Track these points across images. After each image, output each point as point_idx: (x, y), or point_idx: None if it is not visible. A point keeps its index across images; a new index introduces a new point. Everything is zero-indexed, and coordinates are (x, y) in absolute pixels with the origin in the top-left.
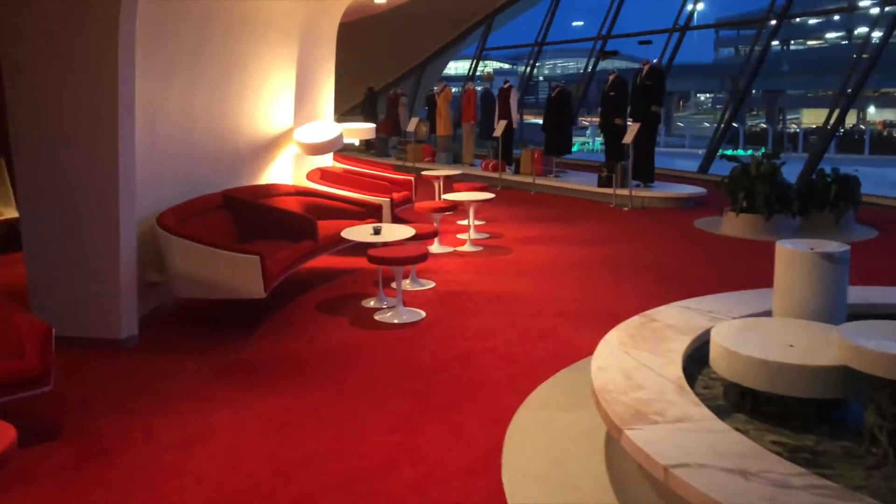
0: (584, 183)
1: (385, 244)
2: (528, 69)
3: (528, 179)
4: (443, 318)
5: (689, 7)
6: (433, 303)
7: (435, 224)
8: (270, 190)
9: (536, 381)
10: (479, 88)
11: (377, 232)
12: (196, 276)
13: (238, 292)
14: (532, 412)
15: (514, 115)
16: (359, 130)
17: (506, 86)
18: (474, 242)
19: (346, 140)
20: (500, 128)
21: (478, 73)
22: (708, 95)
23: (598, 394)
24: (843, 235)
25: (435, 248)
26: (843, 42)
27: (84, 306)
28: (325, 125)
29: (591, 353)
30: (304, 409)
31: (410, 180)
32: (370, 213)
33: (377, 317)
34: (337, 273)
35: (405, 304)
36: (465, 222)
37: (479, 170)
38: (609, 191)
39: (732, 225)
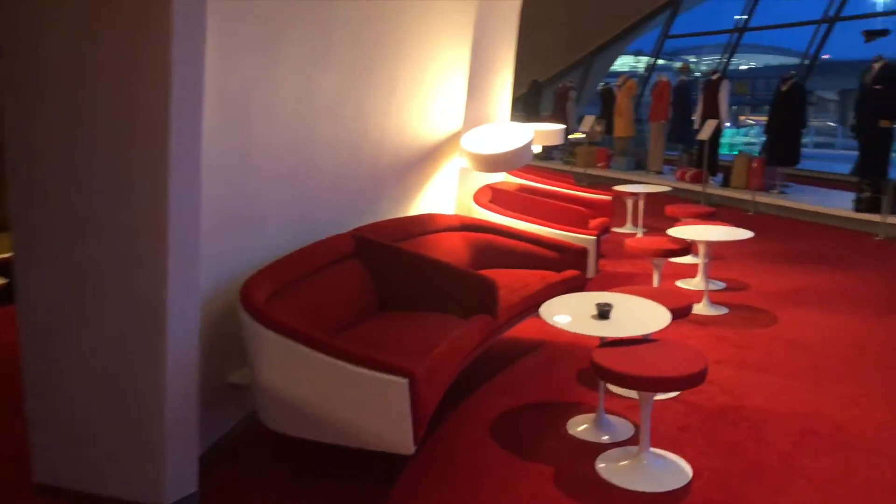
0: (826, 203)
1: (621, 342)
2: (726, 60)
3: (744, 195)
4: (726, 483)
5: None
6: (693, 437)
7: (655, 274)
8: (425, 224)
9: None
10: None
11: (604, 315)
12: (295, 399)
13: (366, 440)
14: None
15: (725, 114)
16: (547, 133)
17: (715, 77)
18: (713, 299)
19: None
20: (707, 129)
21: (666, 65)
22: None
23: None
24: None
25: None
26: None
27: (110, 454)
28: (505, 129)
29: None
30: None
31: (609, 202)
32: (568, 258)
33: (602, 467)
34: (514, 344)
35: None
36: (685, 260)
37: (673, 180)
38: (873, 217)
39: None
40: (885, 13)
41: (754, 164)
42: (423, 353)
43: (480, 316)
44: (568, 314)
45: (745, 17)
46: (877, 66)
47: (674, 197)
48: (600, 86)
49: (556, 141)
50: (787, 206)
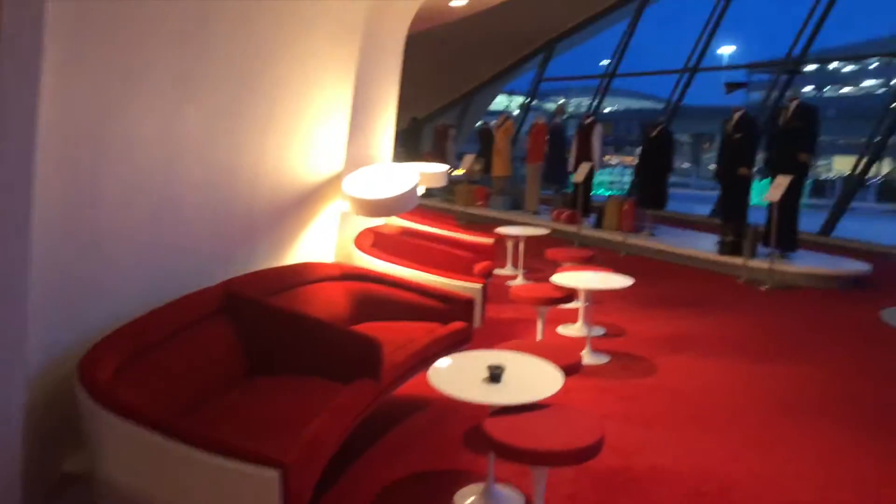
0: (693, 246)
1: (513, 409)
2: (597, 102)
3: (616, 237)
4: None
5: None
6: (585, 502)
7: (539, 322)
8: (303, 274)
9: None
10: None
11: (496, 378)
12: (143, 494)
13: None
14: None
15: (598, 157)
16: (432, 175)
17: (588, 121)
18: (595, 347)
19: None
20: (582, 171)
21: (538, 105)
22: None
23: None
24: None
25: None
26: (881, 90)
27: None
28: (389, 171)
29: None
30: None
31: (492, 245)
32: (455, 308)
33: None
34: (399, 401)
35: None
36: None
37: (548, 220)
38: (735, 261)
39: None
40: (734, 66)
41: (625, 207)
42: (297, 429)
43: (362, 381)
44: (459, 378)
45: (607, 62)
46: (736, 115)
47: (554, 238)
48: (478, 125)
49: (441, 183)
50: (656, 248)
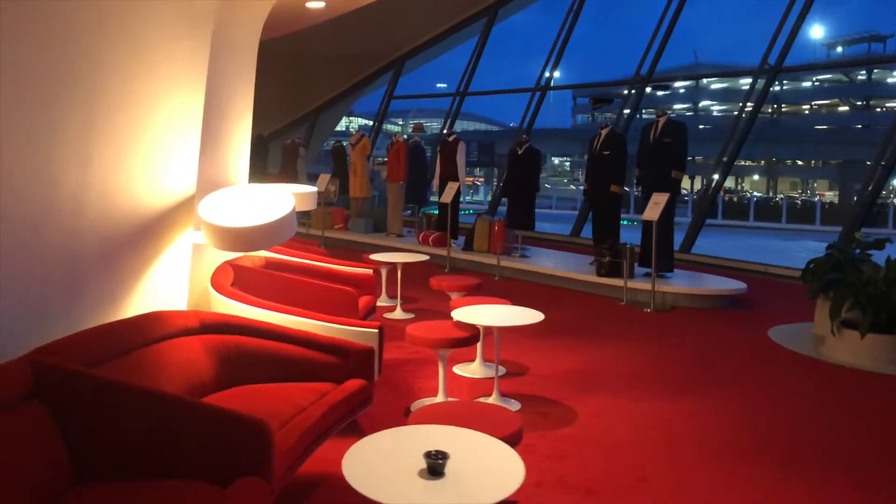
0: (567, 267)
1: None
2: (450, 121)
3: (487, 259)
4: None
5: (548, 74)
6: None
7: (441, 366)
8: (148, 330)
9: None
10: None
11: (437, 471)
12: None
13: None
14: None
15: (463, 176)
16: (303, 197)
17: (451, 139)
18: (503, 391)
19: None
20: (449, 192)
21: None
22: (564, 159)
23: None
24: None
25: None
26: (689, 113)
27: None
28: (255, 193)
29: None
30: None
31: (372, 276)
32: (349, 362)
33: None
34: (289, 486)
35: None
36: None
37: (415, 243)
38: (614, 282)
39: (840, 347)
40: (585, 85)
41: (496, 228)
42: None
43: (246, 481)
44: (386, 471)
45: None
46: (603, 132)
47: (424, 264)
48: (330, 143)
49: (312, 205)
50: (530, 269)
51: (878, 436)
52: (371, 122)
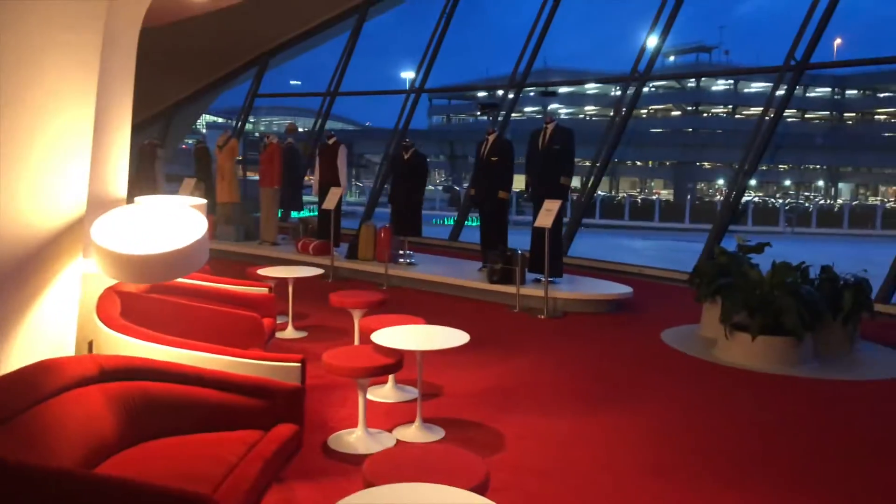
0: (458, 275)
1: None
2: (320, 122)
3: (374, 268)
4: None
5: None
6: None
7: (361, 397)
8: (40, 383)
9: None
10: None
11: None
12: None
13: None
14: None
15: (345, 180)
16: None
17: (331, 141)
18: (427, 419)
19: None
20: (333, 197)
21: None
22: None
23: None
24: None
25: (361, 443)
26: (538, 116)
27: None
28: (154, 211)
29: None
30: None
31: (270, 296)
32: (275, 404)
33: None
34: None
35: None
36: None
37: (292, 251)
38: (506, 289)
39: (732, 349)
40: (464, 87)
41: (381, 235)
42: None
43: None
44: None
45: (298, 82)
46: (491, 137)
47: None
48: (189, 142)
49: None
50: (419, 278)
51: (807, 438)
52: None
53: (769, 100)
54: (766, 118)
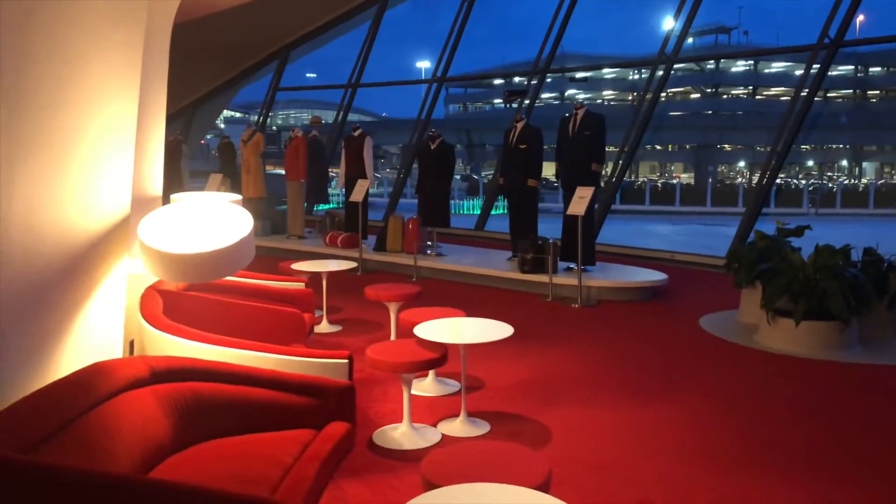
0: (488, 265)
1: None
2: (342, 114)
3: (402, 259)
4: None
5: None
6: None
7: (405, 392)
8: (91, 387)
9: None
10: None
11: None
12: None
13: None
14: None
15: (371, 172)
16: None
17: (356, 133)
18: (470, 413)
19: None
20: (361, 190)
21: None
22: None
23: None
24: None
25: (407, 439)
26: (556, 102)
27: None
28: (199, 210)
29: None
30: None
31: (308, 291)
32: (326, 404)
33: None
34: None
35: None
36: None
37: (320, 244)
38: (537, 278)
39: (774, 335)
40: (465, 77)
41: (410, 226)
42: None
43: None
44: None
45: (313, 75)
46: (519, 125)
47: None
48: (209, 137)
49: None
50: (449, 269)
51: (855, 424)
52: (236, 114)
53: (802, 79)
54: (799, 97)
